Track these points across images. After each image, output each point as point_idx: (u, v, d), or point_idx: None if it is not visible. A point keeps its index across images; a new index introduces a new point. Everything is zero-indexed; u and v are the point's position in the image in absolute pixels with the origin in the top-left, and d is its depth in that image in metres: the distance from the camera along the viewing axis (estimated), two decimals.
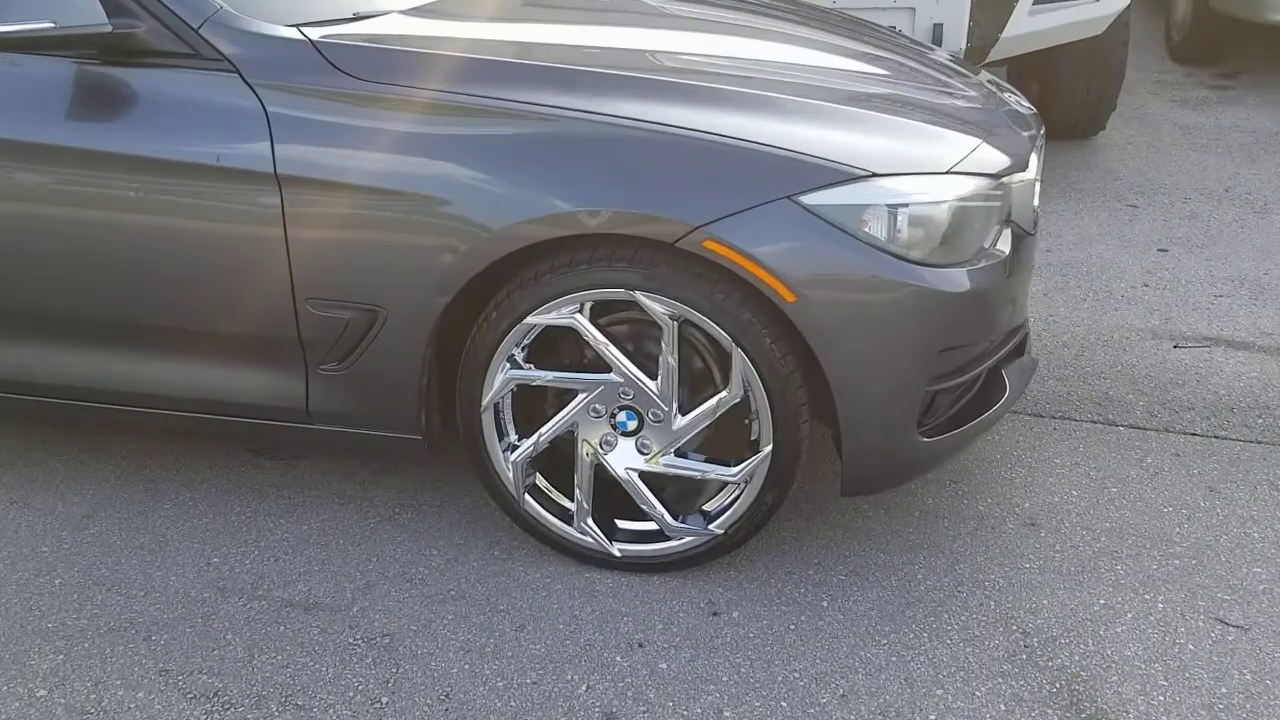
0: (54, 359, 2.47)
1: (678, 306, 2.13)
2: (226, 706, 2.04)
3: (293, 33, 2.27)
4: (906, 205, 2.11)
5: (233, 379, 2.41)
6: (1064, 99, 4.94)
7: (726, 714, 2.00)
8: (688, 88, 2.26)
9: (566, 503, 2.38)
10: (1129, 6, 4.63)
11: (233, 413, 2.45)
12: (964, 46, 4.21)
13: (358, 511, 2.64)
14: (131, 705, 2.06)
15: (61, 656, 2.20)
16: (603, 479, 2.33)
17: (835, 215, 2.07)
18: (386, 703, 2.05)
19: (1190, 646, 2.13)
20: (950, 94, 2.62)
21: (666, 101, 2.20)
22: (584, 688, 2.07)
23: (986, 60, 4.34)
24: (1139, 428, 2.89)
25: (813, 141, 2.14)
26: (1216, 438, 2.83)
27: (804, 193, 2.07)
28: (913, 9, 4.21)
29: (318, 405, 2.39)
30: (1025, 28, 4.36)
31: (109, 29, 2.18)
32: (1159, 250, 4.02)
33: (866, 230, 2.08)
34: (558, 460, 2.39)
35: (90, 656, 2.20)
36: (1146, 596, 2.27)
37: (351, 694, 2.07)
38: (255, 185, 2.20)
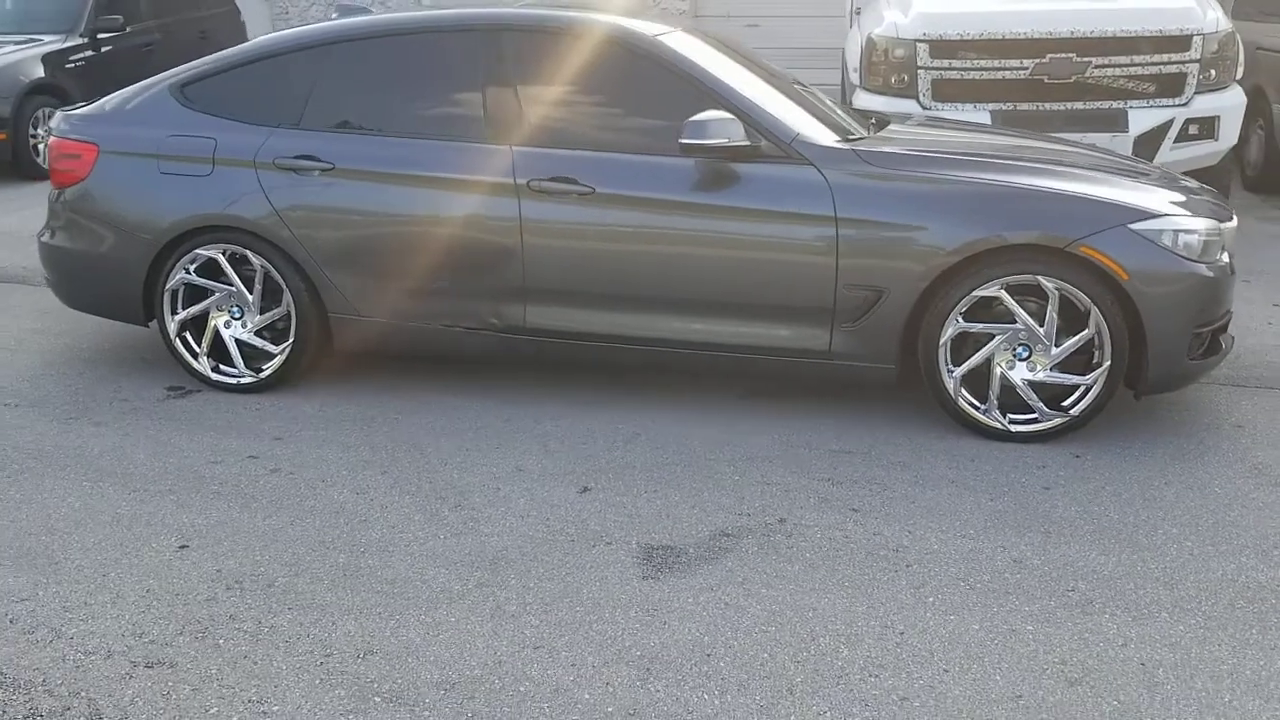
0: (678, 326, 4.36)
1: (1060, 283, 4.01)
2: (801, 484, 3.86)
3: (840, 143, 4.25)
4: (1182, 231, 4.01)
5: (782, 334, 4.29)
6: None
7: (1101, 495, 3.82)
8: (1062, 171, 4.21)
9: (979, 404, 4.22)
10: (1234, 145, 6.62)
11: (778, 355, 4.32)
12: None
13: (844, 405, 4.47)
14: (777, 481, 3.87)
15: (737, 476, 4.00)
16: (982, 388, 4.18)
17: (1149, 234, 3.98)
18: (870, 503, 3.86)
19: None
20: (1183, 185, 4.54)
21: (1050, 178, 4.15)
22: (1009, 480, 3.88)
23: None
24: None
25: (1133, 198, 4.07)
26: None
27: (1132, 223, 3.99)
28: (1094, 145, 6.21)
29: (836, 348, 4.26)
30: (1168, 157, 6.34)
31: (748, 144, 4.16)
32: (1273, 305, 5.88)
33: (1164, 243, 3.99)
34: (971, 378, 4.23)
35: (766, 472, 4.00)
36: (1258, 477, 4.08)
37: (857, 495, 3.88)
38: (823, 225, 4.13)
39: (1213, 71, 6.41)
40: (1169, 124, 6.33)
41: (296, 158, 4.56)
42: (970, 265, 4.09)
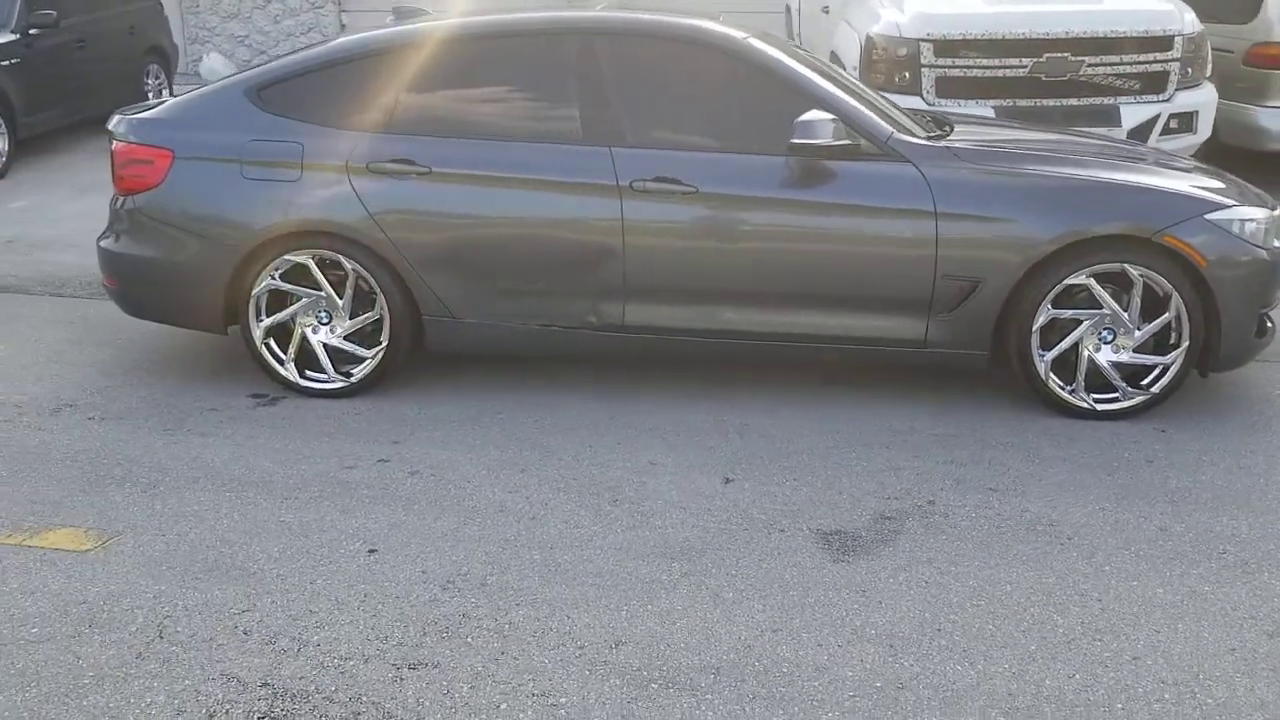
0: (779, 319, 4.52)
1: (1144, 270, 4.32)
2: (928, 468, 4.08)
3: (933, 141, 4.47)
4: (1248, 220, 4.36)
5: (880, 324, 4.49)
6: None
7: (1181, 455, 4.14)
8: (1136, 165, 4.51)
9: (1064, 384, 4.49)
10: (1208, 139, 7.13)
11: (876, 345, 4.52)
12: None
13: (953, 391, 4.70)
14: (904, 466, 4.07)
15: (864, 462, 4.18)
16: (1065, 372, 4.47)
17: (1222, 223, 4.31)
18: (995, 466, 4.12)
19: None
20: (1226, 178, 4.90)
21: (1122, 171, 4.45)
22: (1112, 455, 4.17)
23: None
24: None
25: (1205, 191, 4.40)
26: None
27: (1208, 213, 4.32)
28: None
29: (932, 337, 4.49)
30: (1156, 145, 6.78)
31: (849, 143, 4.34)
32: None
33: (1234, 231, 4.32)
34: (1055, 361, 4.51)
35: (904, 454, 4.19)
36: None
37: (985, 475, 4.12)
38: (922, 220, 4.34)
39: (1190, 69, 6.87)
40: (1155, 119, 6.77)
41: (392, 161, 4.55)
42: (1063, 255, 4.35)
